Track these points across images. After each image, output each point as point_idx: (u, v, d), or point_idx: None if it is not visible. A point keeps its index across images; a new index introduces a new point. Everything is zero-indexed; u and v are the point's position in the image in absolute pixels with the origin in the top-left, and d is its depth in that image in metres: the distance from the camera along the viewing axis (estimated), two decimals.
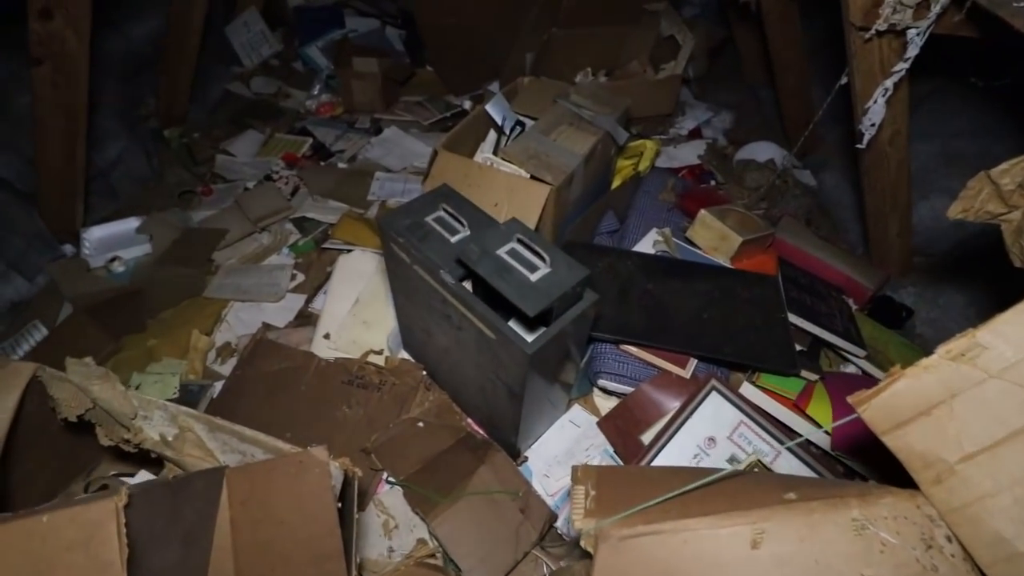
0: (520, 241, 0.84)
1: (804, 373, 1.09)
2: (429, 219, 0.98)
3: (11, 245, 1.45)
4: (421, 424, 1.17)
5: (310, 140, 2.00)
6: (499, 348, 0.85)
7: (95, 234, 1.55)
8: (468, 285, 0.90)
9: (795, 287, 1.36)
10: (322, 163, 1.91)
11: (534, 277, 0.80)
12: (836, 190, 2.01)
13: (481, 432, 1.16)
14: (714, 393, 1.04)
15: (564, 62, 2.07)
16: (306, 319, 1.41)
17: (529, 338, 0.82)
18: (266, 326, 1.38)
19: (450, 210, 0.98)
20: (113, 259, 1.50)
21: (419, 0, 2.30)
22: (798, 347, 1.19)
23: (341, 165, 1.91)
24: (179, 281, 1.45)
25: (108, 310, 1.37)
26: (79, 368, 0.76)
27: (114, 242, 1.54)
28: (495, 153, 1.36)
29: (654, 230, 1.46)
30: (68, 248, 1.56)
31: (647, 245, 1.41)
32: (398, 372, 1.26)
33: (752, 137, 2.12)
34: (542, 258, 0.82)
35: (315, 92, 2.19)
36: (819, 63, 2.14)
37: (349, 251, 1.55)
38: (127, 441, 0.76)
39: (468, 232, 0.95)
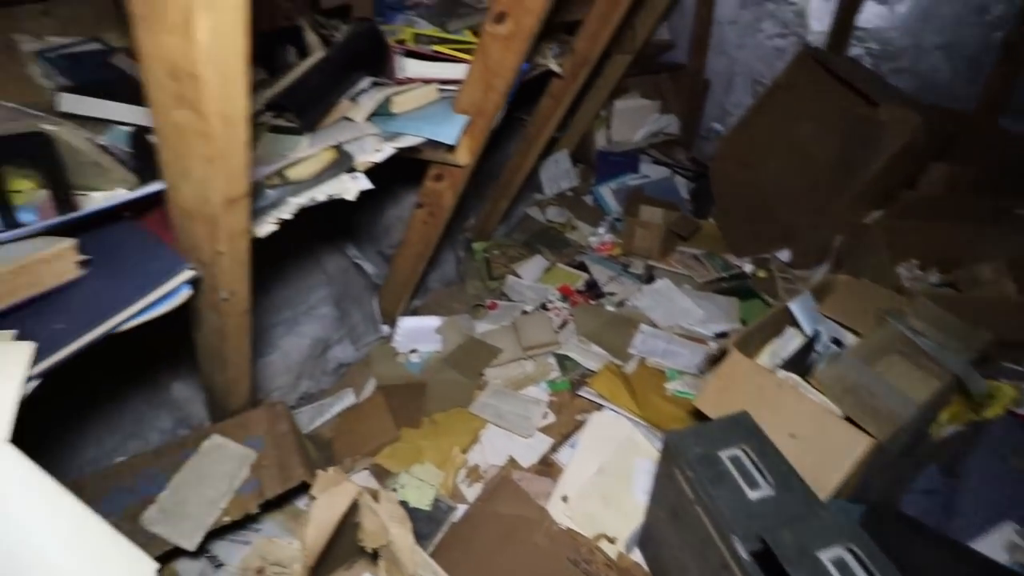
0: (853, 554, 0.69)
1: None
2: (724, 455, 0.89)
3: (354, 319, 1.85)
4: None
5: (585, 276, 2.13)
6: None
7: (406, 324, 1.87)
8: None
9: None
10: (592, 302, 2.01)
11: None
12: None
13: None
14: None
15: (885, 249, 1.80)
16: (548, 467, 1.43)
17: None
18: (512, 462, 1.44)
19: (751, 455, 0.87)
20: (413, 350, 1.79)
21: (718, 150, 2.35)
22: None
23: (609, 308, 1.97)
24: (454, 387, 1.64)
25: (398, 398, 1.61)
26: (388, 504, 0.87)
27: (417, 335, 1.84)
28: (797, 369, 1.21)
29: (1010, 526, 1.08)
30: (385, 328, 1.92)
31: (994, 545, 1.05)
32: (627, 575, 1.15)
33: None
34: None
35: (600, 231, 2.36)
36: None
37: (601, 407, 1.55)
38: None
39: (772, 492, 0.83)
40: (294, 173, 0.86)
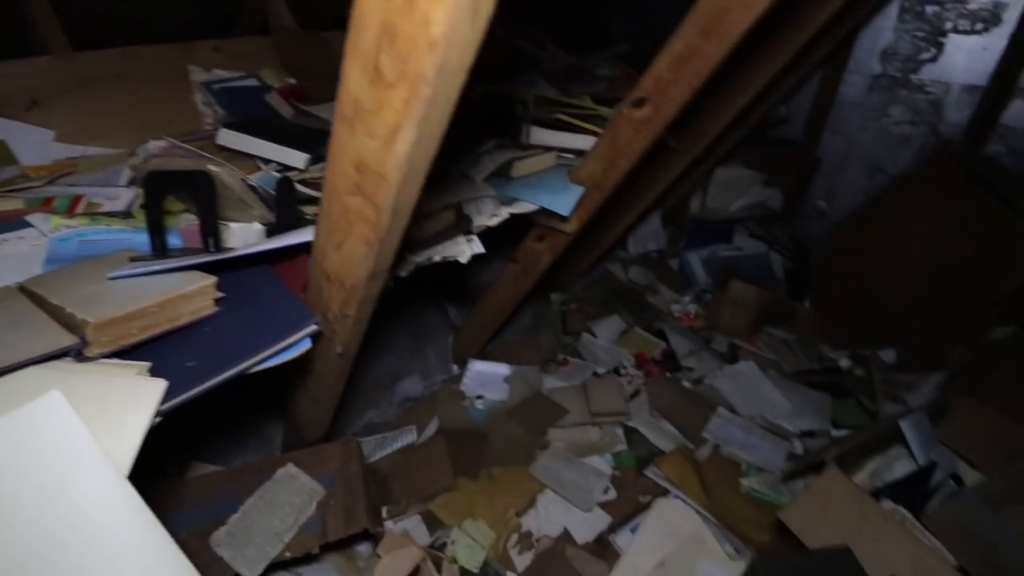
0: None
1: None
2: None
3: (427, 355, 1.88)
4: None
5: (663, 344, 2.06)
6: None
7: (476, 368, 1.88)
8: None
9: None
10: (668, 375, 1.93)
11: None
12: None
13: None
14: None
15: (1015, 372, 1.61)
16: (604, 548, 1.36)
17: None
18: (567, 536, 1.38)
19: None
20: (479, 396, 1.79)
21: (831, 236, 2.24)
22: None
23: (686, 384, 1.89)
24: (516, 442, 1.61)
25: (458, 444, 1.60)
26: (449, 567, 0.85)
27: (486, 380, 1.84)
28: (907, 502, 1.08)
29: None
30: (455, 368, 1.93)
31: None
32: None
33: None
34: None
35: (684, 300, 2.28)
36: None
37: (667, 492, 1.46)
38: None
39: None
40: (414, 231, 0.89)
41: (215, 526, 1.01)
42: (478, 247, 0.95)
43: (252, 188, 0.96)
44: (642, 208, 2.00)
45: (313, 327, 0.70)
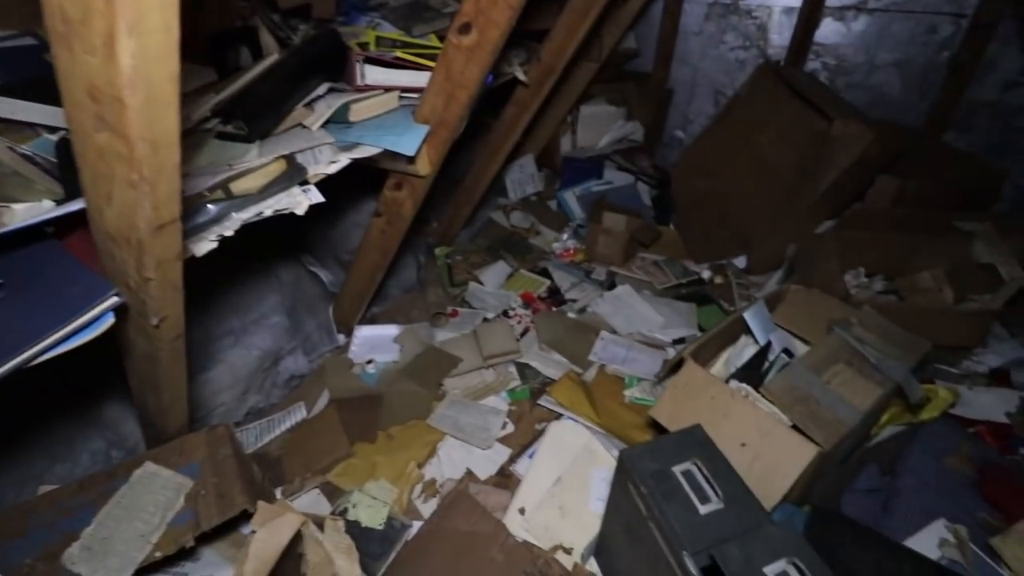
0: (797, 568, 0.70)
1: None
2: (676, 470, 0.90)
3: (307, 328, 1.79)
4: None
5: (548, 282, 2.13)
6: None
7: (363, 333, 1.83)
8: None
9: None
10: (554, 309, 2.01)
11: None
12: None
13: None
14: None
15: (834, 257, 1.87)
16: (506, 479, 1.42)
17: None
18: (469, 475, 1.42)
19: (703, 469, 0.89)
20: (369, 361, 1.74)
21: (680, 159, 2.41)
22: None
23: (571, 315, 1.98)
24: (411, 398, 1.61)
25: (352, 411, 1.56)
26: (334, 534, 0.84)
27: (375, 344, 1.80)
28: (750, 378, 1.23)
29: (942, 522, 1.14)
30: (341, 338, 1.86)
31: (928, 541, 1.10)
32: None
33: None
34: None
35: (563, 237, 2.36)
36: None
37: (560, 416, 1.55)
38: None
39: (721, 505, 0.84)
40: (240, 186, 0.81)
41: (66, 544, 0.91)
42: (316, 196, 0.89)
43: (29, 159, 0.82)
44: (508, 149, 2.00)
45: (113, 299, 0.62)
